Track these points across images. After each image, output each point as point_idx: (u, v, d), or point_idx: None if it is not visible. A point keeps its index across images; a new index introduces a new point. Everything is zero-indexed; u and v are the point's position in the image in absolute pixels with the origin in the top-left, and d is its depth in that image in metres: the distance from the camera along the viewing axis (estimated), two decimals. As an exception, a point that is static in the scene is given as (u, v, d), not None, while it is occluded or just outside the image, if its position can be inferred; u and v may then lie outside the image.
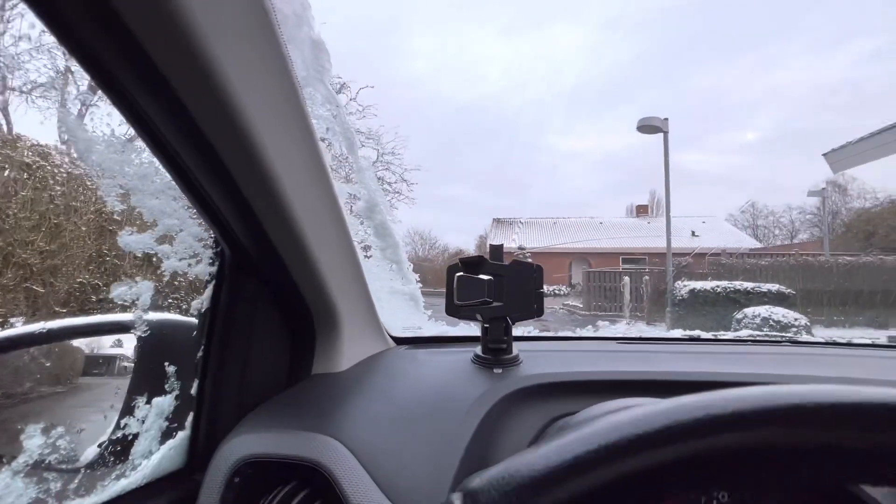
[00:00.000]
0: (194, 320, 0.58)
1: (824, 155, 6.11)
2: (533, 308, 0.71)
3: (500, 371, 0.73)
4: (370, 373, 0.75)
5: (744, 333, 1.16)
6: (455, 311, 0.72)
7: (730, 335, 1.08)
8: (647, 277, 10.16)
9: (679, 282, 8.25)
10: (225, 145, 0.40)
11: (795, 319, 5.72)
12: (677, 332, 1.16)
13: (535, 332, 1.07)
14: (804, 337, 1.08)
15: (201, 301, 0.56)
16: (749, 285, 7.62)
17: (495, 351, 0.75)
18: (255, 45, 0.37)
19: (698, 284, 7.88)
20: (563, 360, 0.81)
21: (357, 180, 0.65)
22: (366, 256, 0.77)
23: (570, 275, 21.52)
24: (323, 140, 0.54)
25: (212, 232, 0.53)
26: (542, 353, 0.86)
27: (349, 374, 0.72)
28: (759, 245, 23.82)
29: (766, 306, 6.08)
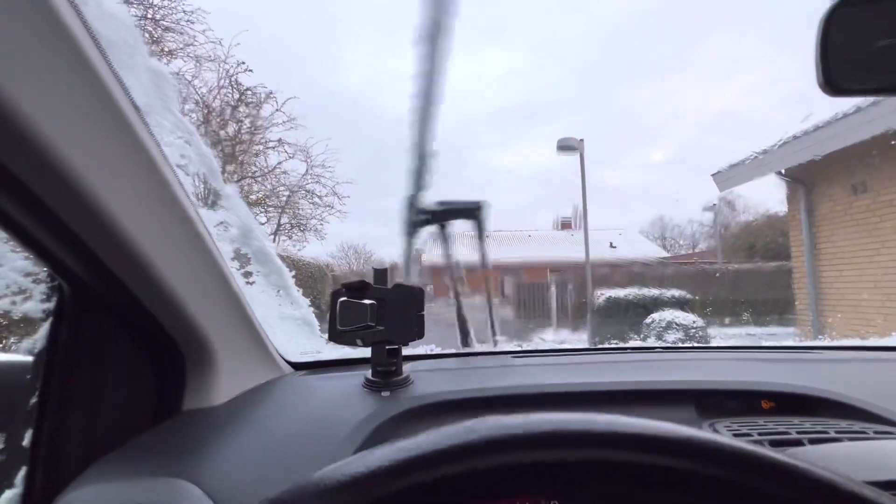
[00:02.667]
0: (26, 360, 0.52)
1: (712, 175, 6.96)
2: (414, 331, 0.72)
3: (387, 394, 0.73)
4: (252, 404, 0.71)
5: (632, 343, 1.29)
6: (337, 336, 0.71)
7: (617, 345, 1.19)
8: (570, 287, 10.81)
9: (598, 290, 8.87)
10: (34, 177, 0.37)
11: (694, 322, 6.41)
12: (569, 344, 1.25)
13: (437, 350, 1.09)
14: (689, 342, 1.23)
15: (34, 340, 0.50)
16: (656, 292, 8.41)
17: (384, 374, 0.75)
18: (57, 69, 0.35)
19: (613, 292, 8.55)
20: (455, 378, 0.84)
21: (226, 206, 0.63)
22: (248, 283, 0.74)
23: (502, 286, 22.20)
24: (179, 167, 0.52)
25: (43, 266, 0.48)
26: (436, 371, 0.88)
27: (227, 408, 0.68)
28: (666, 254, 26.41)
29: (671, 311, 6.74)
